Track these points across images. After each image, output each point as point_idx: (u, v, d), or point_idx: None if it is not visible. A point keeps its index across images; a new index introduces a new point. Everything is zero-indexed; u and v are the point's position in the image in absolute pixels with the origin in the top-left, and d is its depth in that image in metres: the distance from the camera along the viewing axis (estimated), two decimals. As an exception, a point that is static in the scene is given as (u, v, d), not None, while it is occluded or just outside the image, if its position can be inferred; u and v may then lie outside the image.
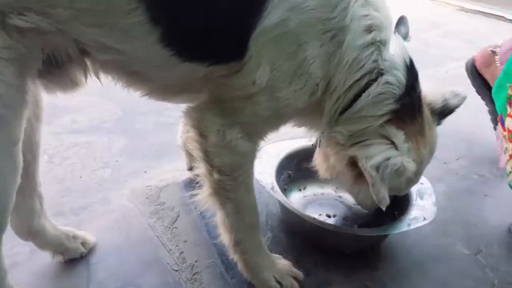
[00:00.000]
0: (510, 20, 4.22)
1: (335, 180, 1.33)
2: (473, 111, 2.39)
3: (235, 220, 1.15)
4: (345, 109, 1.10)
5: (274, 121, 1.11)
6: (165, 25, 0.92)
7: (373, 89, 1.06)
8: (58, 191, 1.60)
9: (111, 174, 1.71)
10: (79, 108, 2.15)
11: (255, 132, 1.10)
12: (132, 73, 1.07)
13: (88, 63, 1.04)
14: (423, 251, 1.44)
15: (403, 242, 1.46)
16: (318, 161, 1.35)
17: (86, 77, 1.08)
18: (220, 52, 1.00)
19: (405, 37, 1.29)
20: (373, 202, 1.12)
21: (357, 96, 1.07)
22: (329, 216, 1.52)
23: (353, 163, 1.11)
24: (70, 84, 1.07)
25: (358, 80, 1.05)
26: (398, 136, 1.08)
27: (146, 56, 0.98)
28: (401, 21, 1.40)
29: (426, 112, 1.18)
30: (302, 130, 1.29)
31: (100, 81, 1.10)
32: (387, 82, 1.06)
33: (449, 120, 2.32)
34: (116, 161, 1.79)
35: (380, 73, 1.06)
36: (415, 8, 4.26)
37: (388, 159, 1.05)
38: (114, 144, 1.90)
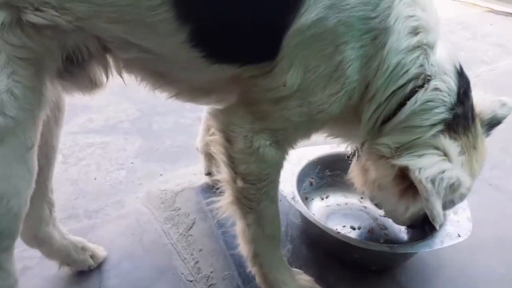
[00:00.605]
0: (542, 22, 4.05)
1: (372, 194, 1.21)
2: (508, 118, 2.28)
3: (256, 232, 1.08)
4: (388, 119, 1.01)
5: (306, 128, 1.03)
6: (194, 23, 0.86)
7: (420, 96, 0.97)
8: (72, 193, 1.56)
9: (126, 176, 1.66)
10: (96, 108, 2.11)
11: (285, 139, 1.02)
12: (158, 73, 1.01)
13: (111, 61, 0.99)
14: (456, 269, 1.34)
15: (434, 258, 1.35)
16: (355, 174, 1.24)
17: (107, 77, 1.02)
18: (252, 52, 0.93)
19: None
20: (412, 217, 1.06)
21: (402, 104, 0.98)
22: (353, 228, 1.43)
23: (401, 176, 1.01)
24: (90, 84, 1.02)
25: (402, 86, 0.96)
26: (453, 148, 0.98)
27: (173, 57, 0.93)
28: None
29: (477, 123, 1.08)
30: (331, 138, 1.20)
31: (123, 80, 1.04)
32: (436, 89, 0.98)
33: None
34: (132, 163, 1.73)
35: (427, 79, 0.97)
36: (442, 9, 4.11)
37: (443, 172, 0.94)
38: (130, 145, 1.85)
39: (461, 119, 1.01)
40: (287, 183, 1.39)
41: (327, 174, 1.57)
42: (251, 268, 1.14)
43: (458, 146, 0.99)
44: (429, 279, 1.30)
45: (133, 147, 1.84)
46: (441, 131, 0.99)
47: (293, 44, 0.90)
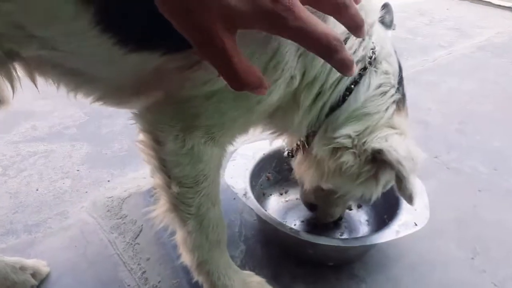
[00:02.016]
0: (497, 5, 4.12)
1: (332, 184, 1.14)
2: (462, 99, 2.29)
3: (199, 238, 0.99)
4: (336, 106, 0.96)
5: (244, 121, 0.94)
6: (98, 1, 0.72)
7: (372, 81, 0.95)
8: (11, 207, 1.45)
9: (71, 185, 1.56)
10: (40, 114, 1.99)
11: (222, 135, 0.92)
12: (72, 72, 0.88)
13: (18, 67, 0.87)
14: (415, 256, 1.31)
15: (393, 247, 1.32)
16: (304, 170, 1.16)
17: (13, 89, 0.89)
18: (174, 37, 0.76)
19: (390, 25, 1.16)
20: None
21: (349, 89, 0.94)
22: (313, 223, 1.38)
23: (373, 160, 0.99)
24: None
25: None
26: (404, 124, 1.00)
27: (81, 46, 0.79)
28: (385, 8, 1.27)
29: None
30: (268, 133, 1.13)
31: (36, 86, 0.92)
32: (386, 72, 0.97)
33: (436, 109, 2.21)
34: (78, 170, 1.63)
35: (373, 62, 0.94)
36: (399, -4, 4.15)
37: (409, 149, 0.94)
38: (77, 151, 1.74)
39: (402, 95, 1.03)
40: (240, 178, 1.32)
41: (284, 168, 1.50)
42: (198, 277, 1.06)
43: (405, 121, 1.01)
44: (389, 270, 1.26)
45: (79, 153, 1.74)
46: (394, 111, 1.00)
47: None
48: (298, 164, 1.18)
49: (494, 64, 2.78)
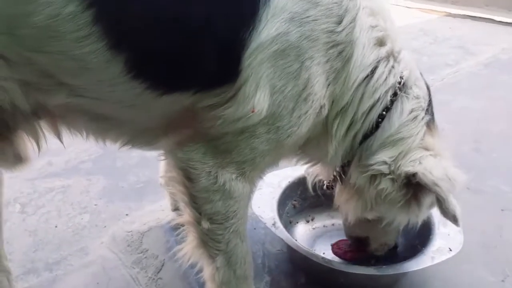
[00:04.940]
0: (499, 22, 4.16)
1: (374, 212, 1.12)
2: (474, 117, 2.28)
3: (227, 274, 0.98)
4: (369, 134, 0.97)
5: (274, 155, 0.94)
6: (130, 51, 0.76)
7: (404, 107, 0.97)
8: (31, 245, 1.44)
9: (90, 220, 1.55)
10: (55, 150, 1.97)
11: (252, 170, 0.93)
12: (100, 117, 0.90)
13: (43, 123, 0.89)
14: (442, 281, 1.28)
15: (422, 272, 1.28)
16: (345, 199, 1.13)
17: (39, 145, 0.92)
18: (205, 76, 0.83)
19: None
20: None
21: (381, 116, 0.95)
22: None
23: (408, 184, 0.99)
24: (13, 160, 0.90)
25: (379, 98, 0.94)
26: (437, 144, 1.01)
27: (111, 93, 0.82)
28: None
29: None
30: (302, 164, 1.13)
31: (62, 141, 0.96)
32: (417, 97, 0.99)
33: (450, 129, 2.19)
34: (95, 204, 1.63)
35: (403, 88, 0.96)
36: (402, 17, 4.20)
37: (445, 169, 0.95)
38: (93, 186, 1.74)
39: (432, 116, 1.04)
40: (267, 208, 1.31)
41: (310, 195, 1.48)
42: None
43: (438, 141, 1.01)
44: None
45: (96, 187, 1.73)
46: (425, 133, 1.01)
47: (255, 63, 0.81)
48: (338, 195, 1.15)
49: (503, 81, 2.78)
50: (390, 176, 0.98)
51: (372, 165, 0.98)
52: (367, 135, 0.96)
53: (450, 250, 1.15)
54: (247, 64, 0.81)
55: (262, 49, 0.81)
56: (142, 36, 0.77)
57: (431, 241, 1.20)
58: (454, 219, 0.94)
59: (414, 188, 0.98)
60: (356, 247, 1.30)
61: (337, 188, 1.15)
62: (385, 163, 0.97)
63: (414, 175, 0.94)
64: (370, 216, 1.12)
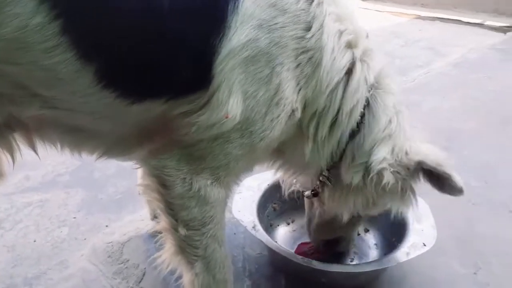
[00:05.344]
0: (466, 23, 4.30)
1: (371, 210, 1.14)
2: (445, 116, 2.36)
3: (206, 279, 0.99)
4: (355, 132, 0.99)
5: (248, 159, 0.96)
6: (99, 60, 0.77)
7: (387, 103, 1.01)
8: (9, 261, 1.42)
9: (69, 233, 1.54)
10: (32, 163, 1.96)
11: (227, 175, 0.94)
12: (74, 129, 0.90)
13: (17, 135, 0.89)
14: (420, 275, 1.32)
15: (400, 267, 1.32)
16: (337, 203, 1.12)
17: (13, 158, 0.92)
18: (177, 83, 0.84)
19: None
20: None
21: (364, 113, 0.99)
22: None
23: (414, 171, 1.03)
24: None
25: (360, 97, 0.97)
26: (417, 134, 1.10)
27: (84, 104, 0.83)
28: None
29: None
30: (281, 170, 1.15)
31: (37, 153, 0.95)
32: (394, 93, 1.03)
33: (422, 128, 2.25)
34: (74, 217, 1.62)
35: (381, 85, 1.00)
36: (374, 20, 4.30)
37: (434, 150, 1.03)
38: (71, 198, 1.73)
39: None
40: (247, 211, 1.33)
41: (290, 197, 1.51)
42: None
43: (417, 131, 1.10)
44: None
45: (75, 200, 1.72)
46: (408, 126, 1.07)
47: (227, 69, 0.82)
48: (329, 199, 1.14)
49: (472, 80, 2.88)
50: (392, 170, 1.01)
51: (372, 164, 1.00)
52: (354, 134, 0.99)
53: (424, 245, 1.19)
54: (219, 70, 0.82)
55: (233, 55, 0.82)
56: (110, 45, 0.78)
57: (406, 237, 1.23)
58: (461, 191, 0.98)
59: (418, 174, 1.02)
60: (319, 249, 1.33)
61: (327, 192, 1.13)
62: (385, 159, 1.00)
63: (419, 162, 0.99)
64: (374, 211, 1.15)
